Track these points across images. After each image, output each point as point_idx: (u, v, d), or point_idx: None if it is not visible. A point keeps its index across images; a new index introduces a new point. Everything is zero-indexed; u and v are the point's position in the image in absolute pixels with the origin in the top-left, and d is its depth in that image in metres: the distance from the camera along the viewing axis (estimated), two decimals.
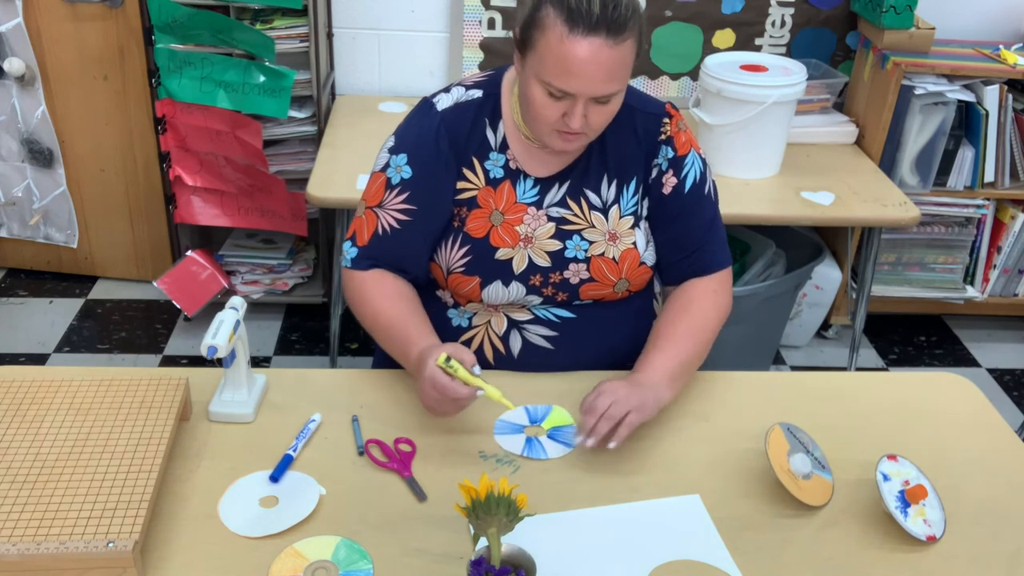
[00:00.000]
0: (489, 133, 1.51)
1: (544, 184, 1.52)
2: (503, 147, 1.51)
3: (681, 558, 1.21)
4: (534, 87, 1.38)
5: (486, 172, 1.51)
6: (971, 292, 3.08)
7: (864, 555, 1.24)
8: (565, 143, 1.43)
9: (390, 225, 1.50)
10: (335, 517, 1.25)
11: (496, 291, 1.52)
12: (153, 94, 2.71)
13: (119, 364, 2.83)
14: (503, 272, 1.52)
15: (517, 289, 1.53)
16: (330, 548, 1.19)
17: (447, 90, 1.54)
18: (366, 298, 1.51)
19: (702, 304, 1.55)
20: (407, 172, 1.50)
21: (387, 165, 1.51)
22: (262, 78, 2.61)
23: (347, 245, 1.54)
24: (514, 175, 1.52)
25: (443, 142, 1.49)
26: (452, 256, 1.52)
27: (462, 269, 1.52)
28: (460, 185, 1.51)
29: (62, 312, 3.08)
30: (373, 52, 3.01)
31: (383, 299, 1.50)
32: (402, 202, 1.50)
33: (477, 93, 1.52)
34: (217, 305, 2.51)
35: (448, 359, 1.30)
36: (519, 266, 1.52)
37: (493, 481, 1.09)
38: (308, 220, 2.86)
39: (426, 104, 1.53)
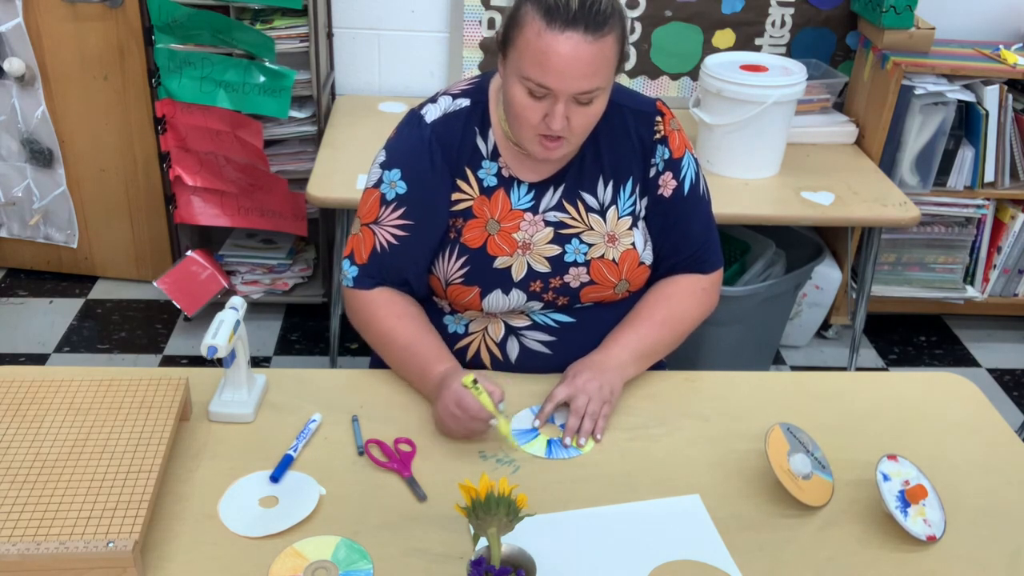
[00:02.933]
0: (480, 142, 1.50)
1: (538, 189, 1.51)
2: (494, 155, 1.50)
3: (681, 558, 1.21)
4: (515, 86, 1.37)
5: (479, 181, 1.50)
6: (971, 292, 3.09)
7: (864, 555, 1.24)
8: (546, 150, 1.41)
9: (388, 241, 1.49)
10: (335, 517, 1.25)
11: (496, 300, 1.52)
12: (153, 94, 2.71)
13: (119, 364, 2.83)
14: (502, 280, 1.51)
15: (518, 296, 1.52)
16: (330, 548, 1.19)
17: (434, 100, 1.52)
18: (376, 317, 1.51)
19: (687, 298, 1.59)
20: (402, 187, 1.48)
21: (380, 181, 1.50)
22: (262, 78, 2.61)
23: (346, 264, 1.53)
24: (507, 182, 1.50)
25: (436, 154, 1.48)
26: (450, 268, 1.51)
27: (461, 280, 1.51)
28: (454, 196, 1.50)
29: (62, 312, 3.08)
30: (373, 52, 3.01)
31: (395, 319, 1.50)
32: (399, 217, 1.49)
33: (465, 102, 1.50)
34: (217, 305, 2.51)
35: (475, 381, 1.32)
36: (518, 273, 1.51)
37: (493, 481, 1.09)
38: (308, 220, 2.87)
39: (415, 117, 1.51)
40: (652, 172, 1.54)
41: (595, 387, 1.44)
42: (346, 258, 1.53)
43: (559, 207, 1.52)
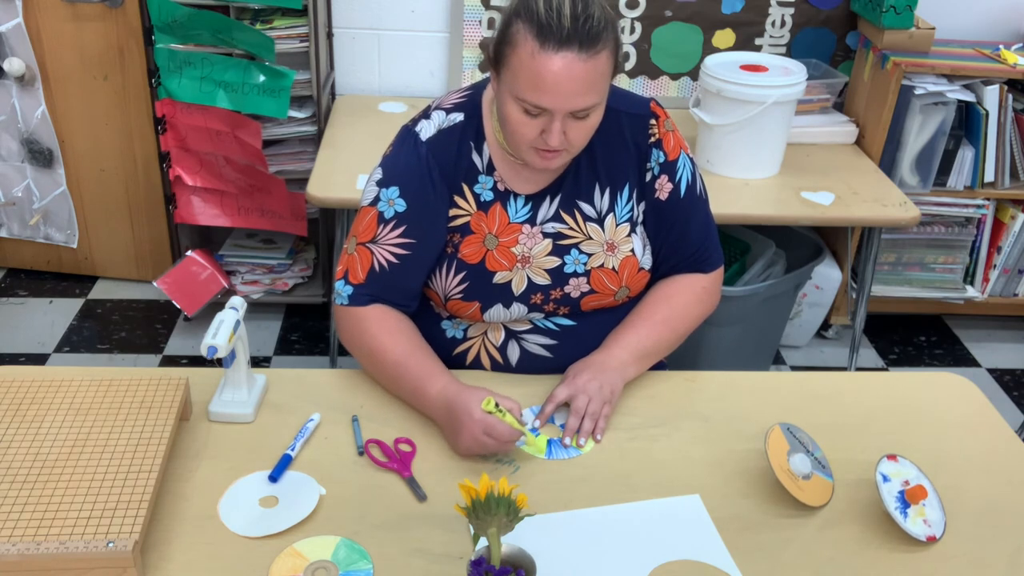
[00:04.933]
0: (475, 157, 1.48)
1: (535, 200, 1.50)
2: (490, 169, 1.49)
3: (681, 558, 1.21)
4: (510, 105, 1.35)
5: (476, 196, 1.49)
6: (971, 292, 3.09)
7: (864, 555, 1.24)
8: (544, 161, 1.40)
9: (388, 260, 1.47)
10: (335, 517, 1.25)
11: (497, 313, 1.51)
12: (153, 94, 2.71)
13: (119, 364, 2.83)
14: (503, 295, 1.50)
15: (519, 309, 1.52)
16: (330, 548, 1.19)
17: (427, 115, 1.50)
18: (368, 334, 1.48)
19: (687, 297, 1.58)
20: (401, 205, 1.46)
21: (377, 199, 1.48)
22: (262, 78, 2.61)
23: (340, 284, 1.50)
24: (503, 196, 1.49)
25: (433, 171, 1.46)
26: (448, 283, 1.50)
27: (460, 295, 1.50)
28: (451, 212, 1.49)
29: (62, 312, 3.08)
30: (373, 52, 3.01)
31: (387, 335, 1.47)
32: (399, 236, 1.47)
33: (459, 116, 1.48)
34: (217, 305, 2.51)
35: (497, 405, 1.31)
36: (519, 287, 1.51)
37: (493, 481, 1.09)
38: (308, 220, 2.86)
39: (409, 134, 1.48)
40: (648, 176, 1.53)
41: (595, 387, 1.43)
42: (339, 279, 1.50)
43: (557, 218, 1.51)
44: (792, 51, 3.01)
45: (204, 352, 1.29)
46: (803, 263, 2.66)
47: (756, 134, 2.52)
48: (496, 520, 1.07)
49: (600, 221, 1.52)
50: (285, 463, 1.32)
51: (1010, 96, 2.81)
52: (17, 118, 2.94)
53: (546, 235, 1.51)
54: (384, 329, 1.48)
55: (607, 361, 1.49)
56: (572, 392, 1.43)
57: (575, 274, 1.51)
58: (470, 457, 1.37)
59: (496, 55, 1.37)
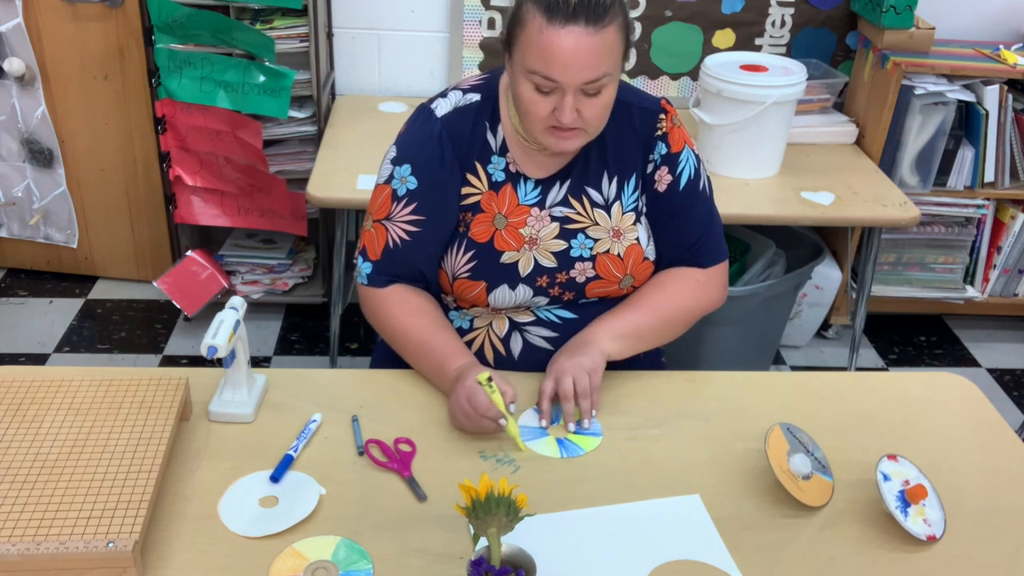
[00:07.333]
0: (489, 136, 1.50)
1: (545, 184, 1.52)
2: (503, 150, 1.51)
3: (681, 558, 1.22)
4: (522, 83, 1.38)
5: (488, 176, 1.51)
6: (971, 292, 3.09)
7: (864, 555, 1.24)
8: (560, 142, 1.41)
9: (400, 237, 1.50)
10: (335, 517, 1.25)
11: (503, 295, 1.52)
12: (153, 94, 2.71)
13: (119, 364, 2.83)
14: (509, 275, 1.52)
15: (524, 291, 1.53)
16: (330, 548, 1.19)
17: (444, 95, 1.53)
18: (390, 315, 1.52)
19: (677, 287, 1.58)
20: (413, 183, 1.49)
21: (391, 176, 1.51)
22: (262, 78, 2.61)
23: (360, 260, 1.54)
24: (514, 178, 1.51)
25: (446, 148, 1.49)
26: (457, 262, 1.52)
27: (468, 274, 1.52)
28: (464, 190, 1.51)
29: (62, 312, 3.08)
30: (373, 52, 3.01)
31: (409, 316, 1.51)
32: (410, 213, 1.49)
33: (475, 97, 1.51)
34: (217, 305, 2.51)
35: (490, 379, 1.34)
36: (525, 268, 1.52)
37: (493, 481, 1.09)
38: (308, 220, 2.86)
39: (425, 111, 1.51)
40: (650, 168, 1.54)
41: (573, 364, 1.44)
42: (359, 254, 1.54)
43: (565, 202, 1.52)
44: (792, 51, 3.01)
45: (204, 352, 1.29)
46: (803, 263, 2.66)
47: (756, 134, 2.52)
48: (496, 520, 1.07)
49: (607, 208, 1.53)
50: (287, 463, 1.32)
51: (1010, 96, 2.81)
52: (17, 118, 2.94)
53: (554, 219, 1.52)
54: (406, 310, 1.51)
55: (579, 339, 1.51)
56: (554, 378, 1.44)
57: (581, 258, 1.52)
58: (470, 457, 1.37)
59: (508, 37, 1.40)
